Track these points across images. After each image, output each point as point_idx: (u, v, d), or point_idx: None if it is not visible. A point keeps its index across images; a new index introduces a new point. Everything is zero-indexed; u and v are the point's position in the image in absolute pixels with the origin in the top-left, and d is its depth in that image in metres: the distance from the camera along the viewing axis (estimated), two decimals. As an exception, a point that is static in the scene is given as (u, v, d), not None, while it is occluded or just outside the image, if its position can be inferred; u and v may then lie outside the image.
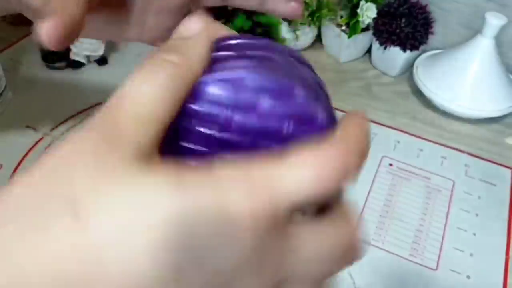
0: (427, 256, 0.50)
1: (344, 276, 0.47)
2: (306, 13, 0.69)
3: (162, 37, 0.29)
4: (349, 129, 0.16)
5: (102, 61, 0.70)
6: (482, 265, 0.49)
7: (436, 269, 0.49)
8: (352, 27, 0.70)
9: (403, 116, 0.67)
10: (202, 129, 0.16)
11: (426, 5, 0.69)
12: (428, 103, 0.68)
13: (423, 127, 0.66)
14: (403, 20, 0.69)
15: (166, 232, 0.12)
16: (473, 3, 0.71)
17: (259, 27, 0.66)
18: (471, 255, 0.50)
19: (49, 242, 0.12)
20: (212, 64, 0.17)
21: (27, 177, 0.13)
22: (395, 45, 0.69)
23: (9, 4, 0.26)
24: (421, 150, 0.62)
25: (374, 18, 0.69)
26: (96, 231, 0.12)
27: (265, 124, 0.16)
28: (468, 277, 0.48)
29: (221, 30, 0.19)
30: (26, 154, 0.55)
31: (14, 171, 0.53)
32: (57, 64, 0.68)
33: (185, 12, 0.29)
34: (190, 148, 0.17)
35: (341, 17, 0.73)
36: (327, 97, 0.19)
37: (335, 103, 0.19)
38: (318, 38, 0.76)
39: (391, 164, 0.59)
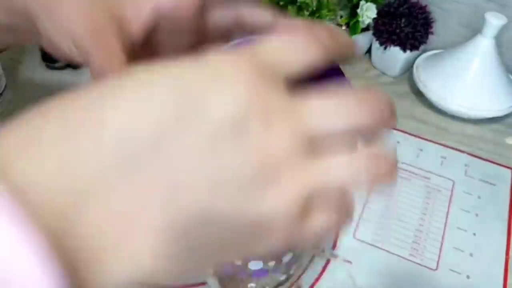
0: (427, 256, 0.50)
1: (344, 276, 0.47)
2: (306, 13, 0.69)
3: None
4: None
5: (102, 61, 0.70)
6: (482, 265, 0.49)
7: (436, 269, 0.49)
8: (352, 27, 0.70)
9: (403, 116, 0.67)
10: None
11: (426, 5, 0.69)
12: (428, 103, 0.68)
13: (423, 127, 0.66)
14: (403, 20, 0.69)
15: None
16: (473, 3, 0.71)
17: (259, 27, 0.66)
18: (471, 255, 0.50)
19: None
20: None
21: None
22: (395, 45, 0.69)
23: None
24: (421, 150, 0.62)
25: (374, 18, 0.69)
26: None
27: None
28: (468, 277, 0.48)
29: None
30: (26, 154, 0.55)
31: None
32: (57, 64, 0.68)
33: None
34: None
35: (341, 17, 0.73)
36: None
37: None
38: (318, 38, 0.76)
39: (391, 164, 0.59)
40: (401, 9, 0.68)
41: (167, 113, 0.14)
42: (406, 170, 0.59)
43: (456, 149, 0.63)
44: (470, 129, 0.66)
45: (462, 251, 0.51)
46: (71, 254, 0.13)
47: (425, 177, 0.58)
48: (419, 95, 0.69)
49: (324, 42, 0.17)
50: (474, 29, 0.65)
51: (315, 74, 0.17)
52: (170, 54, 0.28)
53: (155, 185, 0.14)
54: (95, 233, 0.14)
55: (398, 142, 0.63)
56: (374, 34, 0.71)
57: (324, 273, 0.47)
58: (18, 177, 0.13)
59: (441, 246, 0.51)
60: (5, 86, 0.60)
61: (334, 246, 0.50)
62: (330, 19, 0.72)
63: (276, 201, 0.15)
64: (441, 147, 0.63)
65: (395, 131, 0.64)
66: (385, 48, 0.71)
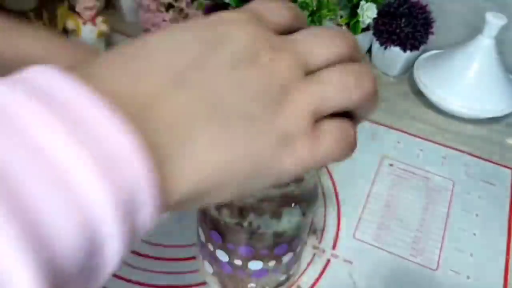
0: (427, 256, 0.50)
1: (345, 276, 0.47)
2: (306, 13, 0.69)
3: None
4: None
5: (102, 61, 0.70)
6: (482, 265, 0.49)
7: (436, 269, 0.49)
8: (352, 27, 0.70)
9: (403, 116, 0.67)
10: None
11: (426, 5, 0.69)
12: (428, 103, 0.68)
13: (423, 127, 0.66)
14: (403, 20, 0.69)
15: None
16: (473, 3, 0.71)
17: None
18: (471, 255, 0.50)
19: None
20: None
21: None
22: (395, 45, 0.69)
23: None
24: (421, 150, 0.62)
25: (374, 18, 0.69)
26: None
27: None
28: (468, 277, 0.48)
29: None
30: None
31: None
32: (57, 64, 0.68)
33: None
34: None
35: (341, 17, 0.73)
36: None
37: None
38: (318, 38, 0.76)
39: (391, 164, 0.59)
40: (401, 9, 0.68)
41: (199, 45, 0.19)
42: (406, 170, 0.59)
43: (456, 149, 0.63)
44: (470, 129, 0.66)
45: (462, 251, 0.51)
46: (153, 150, 0.16)
47: (425, 177, 0.58)
48: (419, 95, 0.69)
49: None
50: (474, 29, 0.65)
51: None
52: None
53: (200, 95, 0.18)
54: (167, 128, 0.17)
55: (398, 142, 0.63)
56: (374, 34, 0.71)
57: (324, 273, 0.47)
58: (114, 85, 0.17)
59: (441, 246, 0.51)
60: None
61: (334, 246, 0.50)
62: (330, 19, 0.72)
63: (293, 114, 0.19)
64: (441, 147, 0.63)
65: (395, 131, 0.64)
66: (385, 48, 0.71)
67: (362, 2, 0.68)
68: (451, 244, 0.51)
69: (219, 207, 0.36)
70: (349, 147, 0.21)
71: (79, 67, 0.17)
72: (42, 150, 0.13)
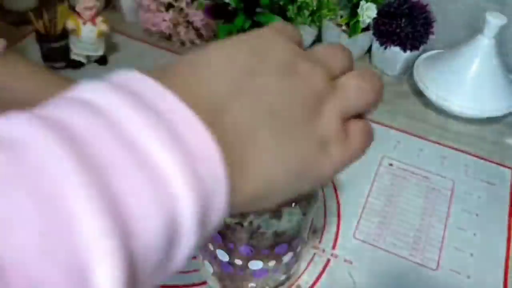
0: (427, 256, 0.50)
1: (345, 276, 0.47)
2: (307, 12, 0.69)
3: None
4: None
5: (102, 61, 0.70)
6: (482, 265, 0.50)
7: (436, 269, 0.49)
8: (352, 27, 0.70)
9: (403, 116, 0.67)
10: None
11: (426, 5, 0.69)
12: (428, 103, 0.68)
13: (423, 127, 0.66)
14: (403, 20, 0.69)
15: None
16: (473, 3, 0.71)
17: (259, 27, 0.66)
18: (471, 255, 0.50)
19: None
20: None
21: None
22: (395, 45, 0.69)
23: None
24: (421, 150, 0.62)
25: (374, 18, 0.69)
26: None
27: None
28: (468, 277, 0.48)
29: None
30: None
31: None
32: (57, 64, 0.68)
33: None
34: None
35: (341, 17, 0.73)
36: None
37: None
38: (318, 38, 0.76)
39: (391, 164, 0.59)
40: (401, 9, 0.68)
41: (250, 56, 0.20)
42: (406, 170, 0.59)
43: (456, 149, 0.63)
44: (470, 129, 0.66)
45: (462, 251, 0.51)
46: (224, 152, 0.17)
47: (425, 177, 0.58)
48: (419, 95, 0.69)
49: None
50: (474, 29, 0.65)
51: None
52: None
53: (257, 102, 0.19)
54: (233, 136, 0.18)
55: (398, 142, 0.63)
56: (374, 34, 0.71)
57: (324, 273, 0.47)
58: (188, 93, 0.18)
59: (441, 246, 0.51)
60: (5, 86, 0.60)
61: (334, 246, 0.50)
62: (330, 19, 0.72)
63: (328, 121, 0.21)
64: (441, 147, 0.63)
65: (395, 131, 0.64)
66: (385, 48, 0.71)
67: (362, 2, 0.68)
68: (451, 244, 0.51)
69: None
70: (370, 143, 0.24)
71: (154, 74, 0.18)
72: (135, 144, 0.15)
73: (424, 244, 0.51)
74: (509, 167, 0.61)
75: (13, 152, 0.14)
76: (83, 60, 0.68)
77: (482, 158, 0.62)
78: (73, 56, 0.68)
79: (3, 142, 0.14)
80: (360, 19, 0.69)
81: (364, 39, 0.73)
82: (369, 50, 0.76)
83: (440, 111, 0.67)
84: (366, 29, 0.72)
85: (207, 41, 0.75)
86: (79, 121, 0.15)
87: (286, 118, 0.20)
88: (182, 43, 0.74)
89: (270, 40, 0.22)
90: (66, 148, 0.14)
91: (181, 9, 0.72)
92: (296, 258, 0.43)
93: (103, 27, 0.66)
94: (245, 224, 0.36)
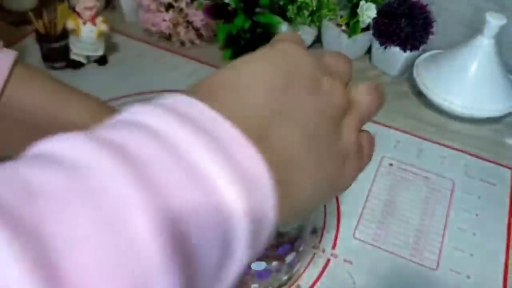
0: (427, 256, 0.50)
1: (345, 276, 0.47)
2: (306, 13, 0.69)
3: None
4: None
5: (102, 61, 0.70)
6: (482, 265, 0.50)
7: (436, 269, 0.49)
8: (352, 27, 0.70)
9: (403, 116, 0.67)
10: None
11: (426, 5, 0.69)
12: (428, 103, 0.68)
13: (423, 127, 0.66)
14: (403, 20, 0.69)
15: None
16: (473, 3, 0.71)
17: (259, 27, 0.66)
18: (471, 255, 0.50)
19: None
20: None
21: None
22: (395, 45, 0.69)
23: None
24: (421, 150, 0.62)
25: (374, 18, 0.69)
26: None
27: None
28: (468, 277, 0.48)
29: None
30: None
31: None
32: (57, 64, 0.68)
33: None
34: None
35: (341, 17, 0.73)
36: None
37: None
38: (318, 38, 0.76)
39: (391, 164, 0.59)
40: (401, 9, 0.68)
41: (279, 77, 0.20)
42: (406, 170, 0.59)
43: (456, 149, 0.63)
44: (470, 129, 0.66)
45: (462, 251, 0.51)
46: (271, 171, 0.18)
47: (425, 177, 0.58)
48: (419, 95, 0.69)
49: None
50: (474, 29, 0.65)
51: None
52: None
53: (293, 121, 0.20)
54: (276, 156, 0.18)
55: (398, 142, 0.63)
56: (374, 34, 0.71)
57: (324, 273, 0.47)
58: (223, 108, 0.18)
59: (441, 246, 0.51)
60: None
61: (334, 246, 0.50)
62: (330, 19, 0.72)
63: (348, 135, 0.22)
64: (441, 147, 0.63)
65: (395, 131, 0.64)
66: (385, 48, 0.71)
67: (362, 2, 0.68)
68: (451, 244, 0.51)
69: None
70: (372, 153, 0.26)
71: (196, 97, 0.18)
72: (193, 165, 0.16)
73: (424, 244, 0.51)
74: (509, 167, 0.61)
75: (74, 172, 0.14)
76: (83, 60, 0.68)
77: (482, 158, 0.62)
78: (73, 56, 0.68)
79: (63, 162, 0.14)
80: (360, 19, 0.69)
81: (364, 39, 0.73)
82: (369, 50, 0.76)
83: (440, 111, 0.67)
84: (366, 29, 0.72)
85: (207, 41, 0.75)
86: (136, 143, 0.15)
87: (319, 137, 0.21)
88: (182, 43, 0.74)
89: (293, 56, 0.22)
90: (126, 168, 0.14)
91: (181, 9, 0.72)
92: (298, 258, 0.43)
93: (103, 27, 0.66)
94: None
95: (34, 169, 0.14)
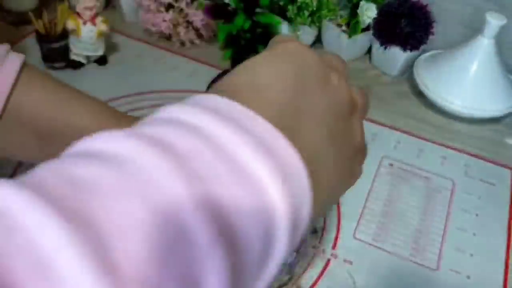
0: (427, 256, 0.50)
1: (345, 276, 0.47)
2: (306, 13, 0.69)
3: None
4: None
5: (102, 61, 0.70)
6: (482, 265, 0.50)
7: (436, 269, 0.49)
8: (352, 27, 0.70)
9: (403, 116, 0.67)
10: None
11: (426, 5, 0.69)
12: (428, 103, 0.68)
13: (423, 127, 0.66)
14: (403, 20, 0.69)
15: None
16: (473, 3, 0.71)
17: (259, 27, 0.66)
18: (471, 255, 0.50)
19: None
20: None
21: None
22: (395, 45, 0.69)
23: None
24: (421, 150, 0.62)
25: (374, 18, 0.69)
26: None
27: None
28: (468, 277, 0.48)
29: None
30: (26, 154, 0.55)
31: (15, 170, 0.53)
32: (57, 64, 0.68)
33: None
34: None
35: (341, 17, 0.73)
36: None
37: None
38: (318, 38, 0.76)
39: (391, 164, 0.59)
40: (401, 9, 0.68)
41: (295, 76, 0.21)
42: (406, 170, 0.59)
43: (456, 149, 0.63)
44: (470, 129, 0.66)
45: (462, 251, 0.51)
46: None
47: (425, 177, 0.58)
48: (419, 95, 0.69)
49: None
50: (474, 29, 0.65)
51: None
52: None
53: (312, 119, 0.20)
54: (304, 151, 0.19)
55: (398, 142, 0.63)
56: (374, 34, 0.71)
57: (324, 273, 0.47)
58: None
59: (441, 246, 0.51)
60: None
61: (334, 246, 0.50)
62: (330, 19, 0.72)
63: (357, 131, 0.23)
64: (441, 147, 0.63)
65: (395, 131, 0.64)
66: (385, 48, 0.71)
67: (362, 2, 0.68)
68: (451, 244, 0.51)
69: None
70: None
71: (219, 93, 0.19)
72: (235, 159, 0.16)
73: (424, 244, 0.51)
74: (509, 167, 0.61)
75: (120, 167, 0.14)
76: (83, 60, 0.68)
77: (482, 158, 0.62)
78: (73, 56, 0.68)
79: (109, 158, 0.15)
80: (360, 19, 0.69)
81: (364, 39, 0.73)
82: (369, 50, 0.76)
83: (440, 111, 0.67)
84: (366, 29, 0.72)
85: (207, 41, 0.75)
86: (177, 138, 0.16)
87: (335, 132, 0.21)
88: (182, 43, 0.74)
89: (301, 55, 0.22)
90: (171, 162, 0.15)
91: (181, 9, 0.72)
92: (298, 258, 0.43)
93: (103, 27, 0.66)
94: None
95: (79, 165, 0.15)
